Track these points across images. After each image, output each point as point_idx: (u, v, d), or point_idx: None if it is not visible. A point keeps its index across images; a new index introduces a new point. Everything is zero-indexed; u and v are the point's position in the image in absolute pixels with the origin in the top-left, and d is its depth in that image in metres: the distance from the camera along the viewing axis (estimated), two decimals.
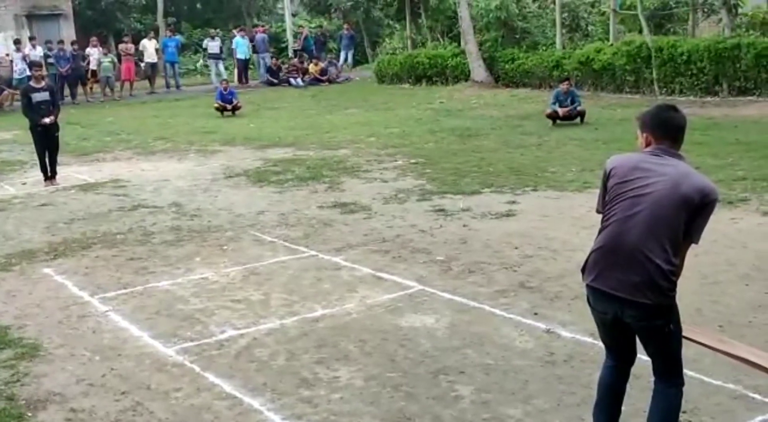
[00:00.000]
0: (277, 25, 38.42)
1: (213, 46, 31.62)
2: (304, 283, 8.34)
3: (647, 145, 4.61)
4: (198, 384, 6.10)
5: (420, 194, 12.04)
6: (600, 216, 4.69)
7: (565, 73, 21.97)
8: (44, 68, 27.77)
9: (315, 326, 7.17)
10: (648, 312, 4.45)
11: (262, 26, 36.73)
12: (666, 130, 4.58)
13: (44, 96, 14.35)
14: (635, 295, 4.41)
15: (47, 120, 14.23)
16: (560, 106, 18.11)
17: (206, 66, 34.22)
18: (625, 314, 4.51)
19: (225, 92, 23.89)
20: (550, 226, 10.01)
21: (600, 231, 4.62)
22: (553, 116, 18.11)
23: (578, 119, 18.15)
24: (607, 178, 4.64)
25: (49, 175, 14.52)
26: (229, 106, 23.45)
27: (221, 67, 31.51)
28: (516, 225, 10.13)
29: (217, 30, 35.56)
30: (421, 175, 13.49)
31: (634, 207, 4.44)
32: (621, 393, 4.85)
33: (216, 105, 23.60)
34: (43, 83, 14.70)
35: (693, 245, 4.55)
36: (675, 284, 4.47)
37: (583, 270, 4.69)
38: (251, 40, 32.45)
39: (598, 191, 4.82)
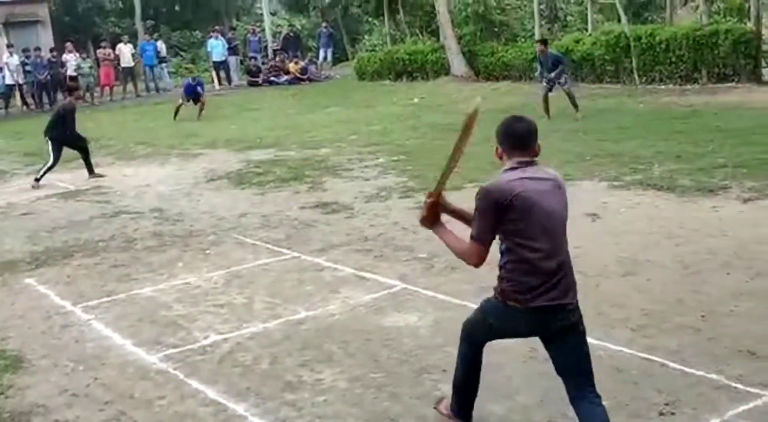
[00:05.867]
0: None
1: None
2: (287, 285, 8.33)
3: (501, 157, 4.72)
4: (182, 391, 6.08)
5: (402, 191, 12.03)
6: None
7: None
8: (22, 75, 27.89)
9: (298, 328, 7.16)
10: None
11: (258, 26, 36.60)
12: (517, 141, 4.70)
13: None
14: None
15: None
16: (545, 70, 17.81)
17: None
18: None
19: (193, 82, 23.56)
20: None
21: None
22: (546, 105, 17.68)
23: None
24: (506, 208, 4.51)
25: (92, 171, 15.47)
26: (190, 103, 23.05)
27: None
28: None
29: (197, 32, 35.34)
30: (403, 172, 13.49)
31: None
32: None
33: (178, 103, 23.17)
34: None
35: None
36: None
37: None
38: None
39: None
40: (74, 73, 28.74)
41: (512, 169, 4.58)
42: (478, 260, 4.55)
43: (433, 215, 4.81)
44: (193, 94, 23.18)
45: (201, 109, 23.00)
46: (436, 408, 5.35)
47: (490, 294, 4.72)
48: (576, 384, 4.59)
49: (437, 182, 4.79)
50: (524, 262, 4.46)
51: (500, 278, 4.58)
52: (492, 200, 4.50)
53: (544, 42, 19.10)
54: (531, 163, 4.61)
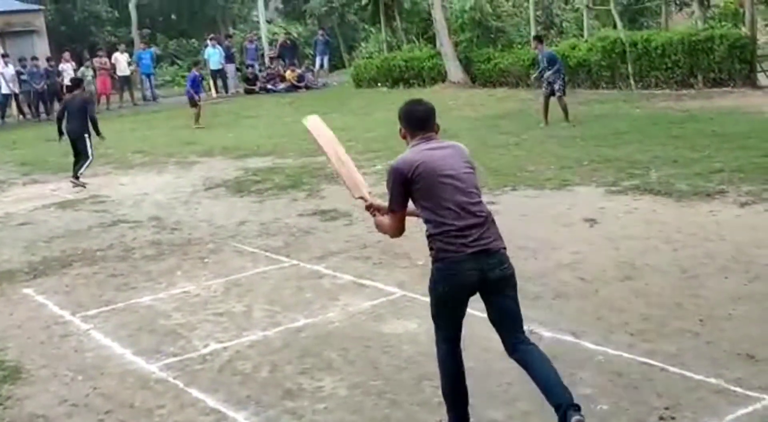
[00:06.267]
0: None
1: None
2: (286, 293, 8.33)
3: (405, 137, 5.21)
4: (181, 400, 6.08)
5: None
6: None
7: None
8: (18, 85, 27.88)
9: (298, 336, 7.16)
10: None
11: (255, 34, 36.58)
12: (417, 122, 5.18)
13: None
14: None
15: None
16: (541, 70, 17.94)
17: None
18: None
19: (199, 74, 23.62)
20: (530, 225, 10.03)
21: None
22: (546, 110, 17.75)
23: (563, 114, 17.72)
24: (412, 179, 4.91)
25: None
26: (197, 97, 23.18)
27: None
28: None
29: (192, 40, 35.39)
30: None
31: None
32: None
33: (197, 109, 23.16)
34: None
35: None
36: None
37: None
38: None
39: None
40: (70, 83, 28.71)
41: (415, 145, 5.04)
42: (396, 229, 5.07)
43: (378, 220, 5.27)
44: (199, 88, 23.27)
45: (198, 115, 23.04)
46: None
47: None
48: (512, 332, 4.97)
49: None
50: (444, 224, 4.79)
51: (430, 245, 4.87)
52: (399, 173, 4.92)
53: (539, 39, 19.12)
54: (432, 138, 5.08)
